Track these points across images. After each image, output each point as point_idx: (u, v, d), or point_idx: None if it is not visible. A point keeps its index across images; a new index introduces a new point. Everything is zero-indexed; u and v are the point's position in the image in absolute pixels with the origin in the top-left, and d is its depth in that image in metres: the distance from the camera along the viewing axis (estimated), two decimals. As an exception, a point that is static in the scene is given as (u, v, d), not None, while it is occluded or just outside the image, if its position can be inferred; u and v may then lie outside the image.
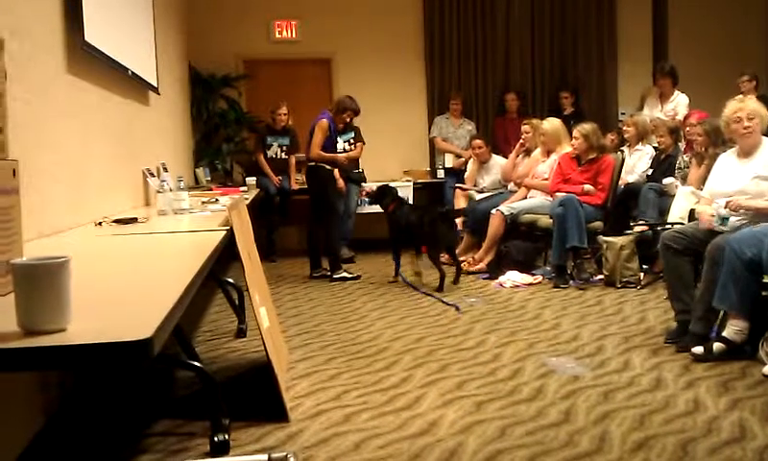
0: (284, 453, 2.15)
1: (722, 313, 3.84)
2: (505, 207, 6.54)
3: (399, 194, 6.68)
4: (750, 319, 3.69)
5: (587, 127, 6.34)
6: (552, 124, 6.85)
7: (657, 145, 6.81)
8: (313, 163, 6.44)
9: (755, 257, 3.57)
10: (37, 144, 2.97)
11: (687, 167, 6.09)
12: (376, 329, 4.62)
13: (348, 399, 3.33)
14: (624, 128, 7.20)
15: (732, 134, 4.21)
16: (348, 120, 7.39)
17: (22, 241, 1.80)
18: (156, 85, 5.56)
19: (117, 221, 3.52)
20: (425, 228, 6.01)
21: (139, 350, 1.23)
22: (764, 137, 4.12)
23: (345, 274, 6.45)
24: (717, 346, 3.71)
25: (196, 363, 3.13)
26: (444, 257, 6.20)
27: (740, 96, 4.25)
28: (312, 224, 6.77)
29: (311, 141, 6.41)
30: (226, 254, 3.03)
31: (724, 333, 3.74)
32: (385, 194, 6.55)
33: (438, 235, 6.02)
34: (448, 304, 5.23)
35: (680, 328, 4.05)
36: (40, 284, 1.29)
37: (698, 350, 3.73)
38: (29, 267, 1.31)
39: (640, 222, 6.03)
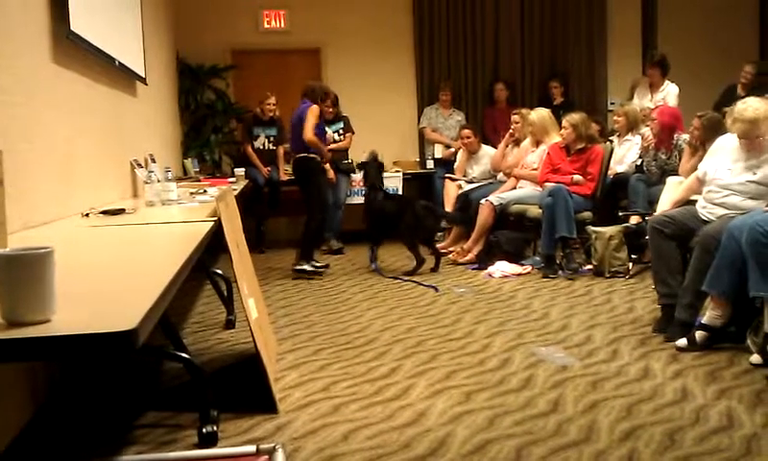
0: (273, 444, 2.15)
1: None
2: (494, 198, 6.55)
3: (382, 180, 6.71)
4: (734, 305, 3.71)
5: (575, 117, 6.35)
6: (539, 114, 6.85)
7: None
8: (303, 155, 6.26)
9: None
10: (23, 134, 2.95)
11: (655, 160, 6.16)
12: (365, 320, 4.62)
13: (337, 389, 3.33)
14: (614, 118, 7.21)
15: (746, 144, 4.03)
16: (332, 108, 7.41)
17: (7, 232, 1.79)
18: (143, 76, 5.52)
19: (104, 212, 3.49)
20: (402, 218, 6.07)
21: (124, 340, 1.22)
22: None
23: (307, 266, 6.22)
24: (699, 334, 3.73)
25: (184, 354, 3.11)
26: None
27: (752, 111, 3.92)
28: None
29: (303, 127, 6.10)
30: (215, 245, 3.02)
31: (704, 320, 3.76)
32: (365, 172, 6.61)
33: (413, 226, 6.08)
34: (426, 286, 5.26)
35: (665, 317, 4.07)
36: (24, 275, 1.28)
37: (682, 342, 3.75)
38: (12, 258, 1.30)
39: (632, 212, 6.04)
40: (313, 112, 6.08)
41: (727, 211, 3.96)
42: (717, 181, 4.09)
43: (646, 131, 6.55)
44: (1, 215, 1.77)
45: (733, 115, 4.02)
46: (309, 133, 6.07)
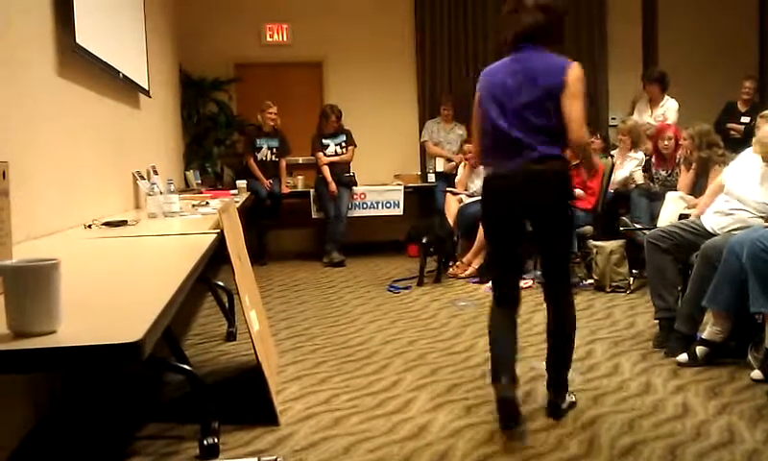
0: (274, 457, 2.15)
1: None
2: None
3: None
4: (734, 320, 3.71)
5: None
6: None
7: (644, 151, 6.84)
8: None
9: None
10: (28, 146, 2.97)
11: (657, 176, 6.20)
12: (367, 333, 4.62)
13: (338, 402, 3.33)
14: (619, 137, 7.17)
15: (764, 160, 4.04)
16: (336, 122, 7.48)
17: (11, 243, 1.80)
18: (146, 88, 5.55)
19: (107, 224, 3.51)
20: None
21: (129, 352, 1.23)
22: None
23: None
24: (700, 349, 3.74)
25: (186, 366, 3.12)
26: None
27: None
28: None
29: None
30: (216, 256, 3.03)
31: (704, 335, 3.77)
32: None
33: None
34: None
35: (663, 331, 4.08)
36: (30, 286, 1.29)
37: (682, 358, 3.76)
38: (19, 269, 1.31)
39: (637, 225, 6.05)
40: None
41: (734, 224, 3.96)
42: (734, 192, 4.07)
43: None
44: (6, 226, 1.78)
45: (758, 137, 4.07)
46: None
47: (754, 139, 4.12)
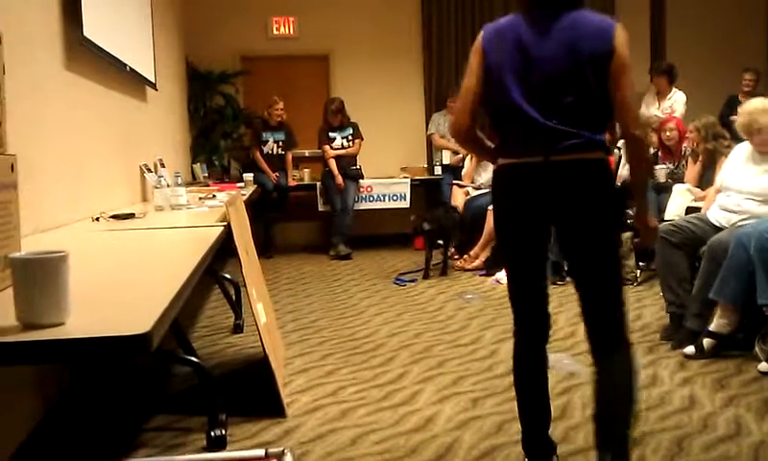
0: (281, 449, 2.16)
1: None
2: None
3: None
4: (742, 312, 3.71)
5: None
6: None
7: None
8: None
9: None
10: (35, 139, 2.98)
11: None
12: (373, 325, 4.63)
13: (345, 394, 3.34)
14: None
15: (748, 138, 4.07)
16: (337, 114, 7.51)
17: (20, 236, 1.81)
18: (153, 81, 5.56)
19: (114, 216, 3.52)
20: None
21: (138, 344, 1.24)
22: None
23: None
24: (707, 342, 3.74)
25: (193, 358, 3.13)
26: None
27: (751, 107, 4.02)
28: None
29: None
30: (223, 249, 3.04)
31: (711, 328, 3.76)
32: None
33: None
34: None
35: (673, 324, 4.08)
36: (39, 278, 1.30)
37: (689, 350, 3.76)
38: (28, 261, 1.32)
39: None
40: None
41: (741, 217, 3.94)
42: (733, 186, 4.07)
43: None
44: (15, 219, 1.78)
45: (742, 109, 4.10)
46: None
47: (741, 127, 4.09)
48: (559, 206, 2.25)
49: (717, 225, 4.05)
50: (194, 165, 7.91)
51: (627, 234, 5.86)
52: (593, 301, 2.29)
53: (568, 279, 5.76)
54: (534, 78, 2.24)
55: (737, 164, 4.14)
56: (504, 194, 2.36)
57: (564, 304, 5.03)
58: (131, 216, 3.57)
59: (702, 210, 4.48)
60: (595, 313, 2.29)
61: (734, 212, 4.00)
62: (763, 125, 3.92)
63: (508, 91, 2.26)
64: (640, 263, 5.78)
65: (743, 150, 4.16)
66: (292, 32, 8.76)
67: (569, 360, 3.77)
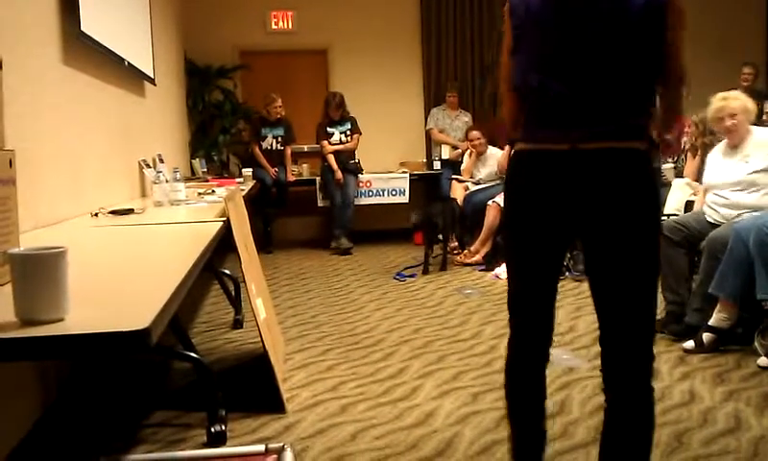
0: (281, 444, 2.15)
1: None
2: (501, 199, 6.54)
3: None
4: (741, 307, 3.71)
5: None
6: None
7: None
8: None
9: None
10: (34, 135, 2.97)
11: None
12: (373, 321, 4.63)
13: (345, 389, 3.34)
14: None
15: (718, 131, 4.28)
16: (337, 109, 7.50)
17: (18, 232, 1.80)
18: (152, 76, 5.54)
19: (113, 212, 3.51)
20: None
21: (137, 340, 1.23)
22: (752, 127, 4.17)
23: None
24: (707, 336, 3.74)
25: (193, 354, 3.12)
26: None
27: (723, 94, 4.25)
28: None
29: None
30: (222, 245, 3.03)
31: (711, 322, 3.76)
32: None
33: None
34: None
35: (669, 317, 4.07)
36: (38, 274, 1.29)
37: (689, 344, 3.76)
38: (27, 257, 1.31)
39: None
40: None
41: (737, 211, 3.97)
42: (717, 182, 4.13)
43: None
44: (13, 215, 1.78)
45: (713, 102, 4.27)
46: None
47: (710, 122, 4.33)
48: (585, 209, 1.82)
49: (714, 223, 4.06)
50: (193, 160, 7.90)
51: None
52: (619, 337, 1.89)
53: (568, 274, 5.78)
54: (565, 37, 1.81)
55: (716, 162, 4.24)
56: (518, 187, 1.94)
57: (562, 300, 5.03)
58: (130, 212, 3.56)
59: (695, 207, 4.51)
60: (620, 352, 1.90)
61: (726, 207, 4.03)
62: (736, 108, 4.08)
63: (528, 55, 1.89)
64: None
65: (717, 150, 4.32)
66: (290, 26, 8.75)
67: (568, 355, 3.77)
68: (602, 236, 1.83)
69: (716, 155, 4.30)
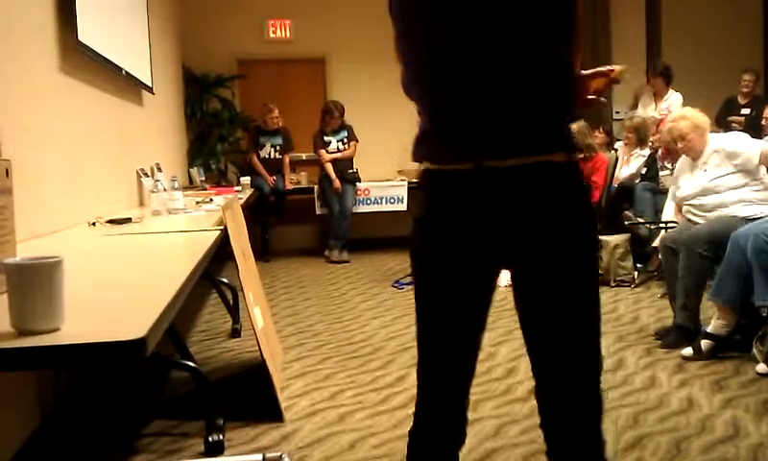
0: (279, 453, 2.15)
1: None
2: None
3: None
4: (739, 313, 3.71)
5: (573, 126, 6.31)
6: None
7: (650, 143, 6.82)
8: None
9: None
10: (31, 144, 2.97)
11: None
12: (371, 329, 4.62)
13: (343, 398, 3.33)
14: (626, 134, 7.13)
15: (674, 148, 4.45)
16: (339, 119, 7.48)
17: (15, 241, 1.80)
18: (150, 85, 5.55)
19: (111, 221, 3.50)
20: None
21: (133, 349, 1.23)
22: (711, 135, 4.34)
23: None
24: (705, 343, 3.74)
25: (190, 363, 3.12)
26: None
27: (672, 116, 4.55)
28: None
29: None
30: (220, 253, 3.03)
31: (709, 329, 3.76)
32: None
33: None
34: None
35: (669, 327, 4.09)
36: (34, 284, 1.29)
37: (687, 351, 3.76)
38: (22, 267, 1.31)
39: (640, 220, 6.04)
40: None
41: (706, 213, 4.18)
42: (687, 194, 4.34)
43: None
44: (10, 224, 1.78)
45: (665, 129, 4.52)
46: None
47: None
48: (503, 240, 1.44)
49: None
50: (191, 169, 7.89)
51: (624, 236, 5.87)
52: (558, 397, 1.50)
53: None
54: (456, 22, 1.40)
55: (684, 176, 4.43)
56: (424, 216, 1.54)
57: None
58: (127, 221, 3.56)
59: (679, 221, 4.64)
60: (560, 417, 1.50)
61: (701, 211, 4.22)
62: (684, 130, 4.25)
63: (414, 46, 1.56)
64: (637, 265, 5.78)
65: (680, 165, 4.51)
66: (288, 35, 8.76)
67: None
68: (526, 276, 1.47)
69: (683, 168, 4.47)
